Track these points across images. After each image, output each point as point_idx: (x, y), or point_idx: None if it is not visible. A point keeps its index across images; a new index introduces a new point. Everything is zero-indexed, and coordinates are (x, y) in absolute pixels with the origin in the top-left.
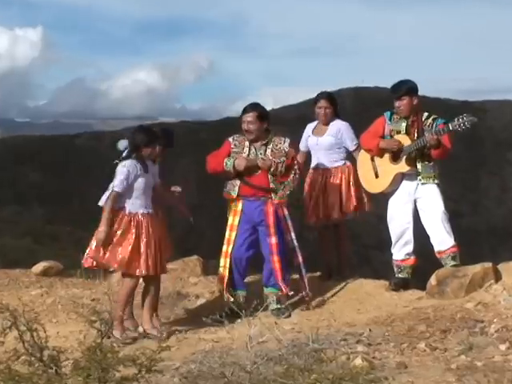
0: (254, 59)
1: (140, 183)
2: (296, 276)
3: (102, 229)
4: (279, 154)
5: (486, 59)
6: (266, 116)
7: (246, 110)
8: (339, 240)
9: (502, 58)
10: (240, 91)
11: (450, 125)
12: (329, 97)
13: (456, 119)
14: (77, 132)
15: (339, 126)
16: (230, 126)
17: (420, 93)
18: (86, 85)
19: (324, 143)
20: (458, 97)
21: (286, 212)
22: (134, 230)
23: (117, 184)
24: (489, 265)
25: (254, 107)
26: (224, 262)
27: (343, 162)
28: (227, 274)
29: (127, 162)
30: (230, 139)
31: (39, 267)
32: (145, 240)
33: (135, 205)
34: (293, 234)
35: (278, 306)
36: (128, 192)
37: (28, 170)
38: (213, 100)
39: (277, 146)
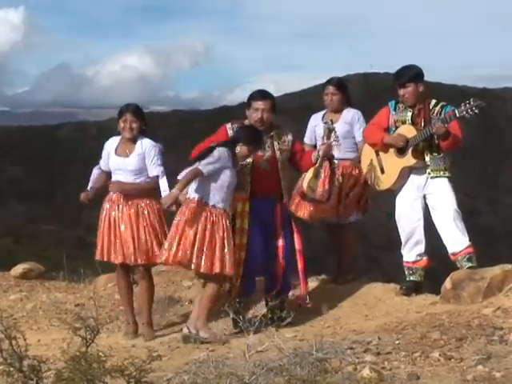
0: (253, 43)
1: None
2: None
3: (175, 190)
4: (285, 147)
5: (508, 43)
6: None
7: (260, 96)
8: (347, 241)
9: None
10: (238, 77)
11: (456, 111)
12: (337, 83)
13: (463, 104)
14: (60, 122)
15: (353, 114)
16: (227, 115)
17: (435, 79)
18: (71, 71)
19: (339, 130)
20: (476, 84)
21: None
22: (209, 226)
23: (203, 163)
24: (508, 267)
25: (269, 94)
26: (238, 271)
27: (355, 154)
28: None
29: (221, 149)
30: (228, 126)
31: (18, 269)
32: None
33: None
34: (298, 236)
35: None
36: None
37: (6, 164)
38: (209, 88)
39: (281, 138)
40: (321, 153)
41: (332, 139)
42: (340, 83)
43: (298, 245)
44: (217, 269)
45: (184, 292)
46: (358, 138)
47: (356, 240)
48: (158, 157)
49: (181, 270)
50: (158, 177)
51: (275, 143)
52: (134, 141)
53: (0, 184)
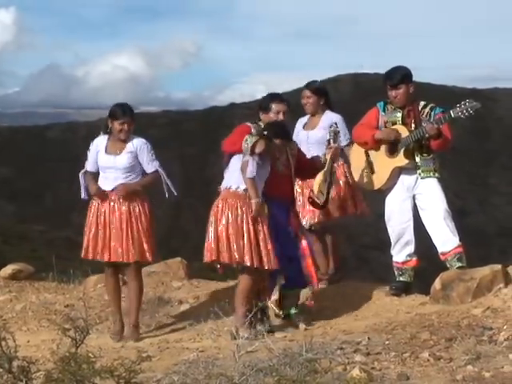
0: (244, 43)
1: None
2: None
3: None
4: (294, 153)
5: (498, 43)
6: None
7: (280, 99)
8: (332, 241)
9: None
10: (229, 78)
11: (451, 112)
12: (312, 87)
13: (458, 106)
14: (50, 122)
15: (332, 119)
16: (217, 116)
17: (425, 80)
18: (62, 71)
19: (316, 136)
20: (466, 84)
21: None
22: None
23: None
24: (498, 267)
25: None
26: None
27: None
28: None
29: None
30: (250, 125)
31: (8, 270)
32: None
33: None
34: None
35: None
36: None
37: None
38: (200, 88)
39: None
40: (328, 156)
41: (337, 142)
42: (315, 87)
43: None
44: (266, 264)
45: (174, 293)
46: (343, 142)
47: (340, 241)
48: (151, 152)
49: (170, 271)
50: (156, 171)
51: (287, 148)
52: (124, 140)
53: None
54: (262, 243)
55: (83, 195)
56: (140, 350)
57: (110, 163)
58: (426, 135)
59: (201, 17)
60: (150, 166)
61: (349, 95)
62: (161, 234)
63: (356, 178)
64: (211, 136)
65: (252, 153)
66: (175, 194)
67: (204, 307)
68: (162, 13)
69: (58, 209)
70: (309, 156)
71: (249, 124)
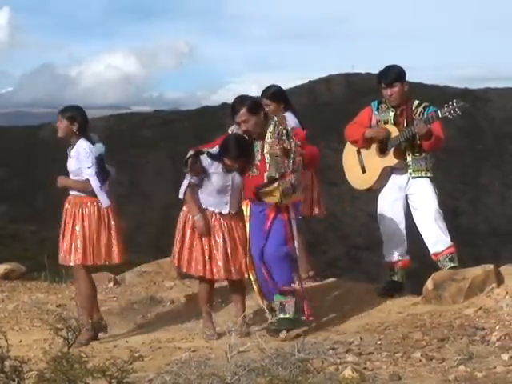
0: (237, 43)
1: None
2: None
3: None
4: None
5: (489, 44)
6: (259, 106)
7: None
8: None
9: (509, 42)
10: (222, 78)
11: (439, 112)
12: (268, 94)
13: (446, 105)
14: (43, 122)
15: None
16: (209, 116)
17: (416, 80)
18: (55, 71)
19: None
20: (458, 84)
21: (292, 216)
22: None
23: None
24: (490, 267)
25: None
26: (253, 276)
27: None
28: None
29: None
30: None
31: (0, 270)
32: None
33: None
34: (296, 243)
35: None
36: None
37: None
38: (193, 88)
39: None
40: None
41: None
42: (271, 93)
43: (296, 252)
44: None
45: (166, 292)
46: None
47: (305, 239)
48: (87, 159)
49: (162, 271)
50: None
51: (266, 145)
52: (72, 143)
53: None
54: (213, 254)
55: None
56: (132, 349)
57: (67, 166)
58: (417, 135)
59: (193, 17)
60: (85, 171)
61: (341, 95)
62: (152, 233)
63: (348, 178)
64: (203, 136)
65: (187, 171)
66: (103, 206)
67: (196, 307)
68: (155, 13)
69: (50, 209)
70: None
71: (229, 131)
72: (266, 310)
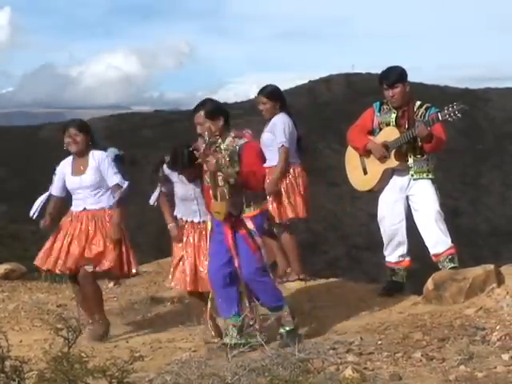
0: (237, 43)
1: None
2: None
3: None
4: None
5: (490, 44)
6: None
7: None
8: (286, 241)
9: (509, 42)
10: (223, 78)
11: (439, 114)
12: (266, 92)
13: (446, 108)
14: (43, 122)
15: (274, 121)
16: None
17: (417, 80)
18: (56, 71)
19: (263, 139)
20: (459, 84)
21: (250, 227)
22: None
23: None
24: (490, 267)
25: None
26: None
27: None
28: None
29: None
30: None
31: (0, 270)
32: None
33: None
34: (263, 251)
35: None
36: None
37: None
38: (194, 88)
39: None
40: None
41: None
42: (269, 92)
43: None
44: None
45: (166, 292)
46: (279, 138)
47: (294, 241)
48: (111, 165)
49: (162, 271)
50: (118, 185)
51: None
52: (84, 156)
53: None
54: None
55: (34, 214)
56: (132, 349)
57: (78, 184)
58: (417, 137)
59: (194, 17)
60: (111, 179)
61: (341, 95)
62: (152, 234)
63: (350, 179)
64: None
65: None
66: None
67: (196, 307)
68: (156, 13)
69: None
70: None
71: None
72: (211, 329)
